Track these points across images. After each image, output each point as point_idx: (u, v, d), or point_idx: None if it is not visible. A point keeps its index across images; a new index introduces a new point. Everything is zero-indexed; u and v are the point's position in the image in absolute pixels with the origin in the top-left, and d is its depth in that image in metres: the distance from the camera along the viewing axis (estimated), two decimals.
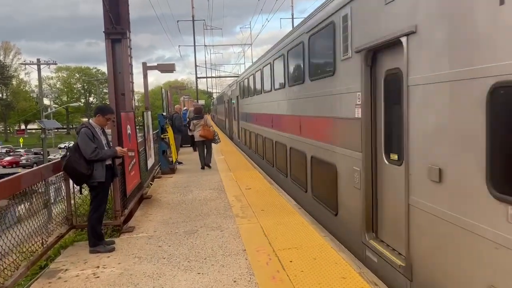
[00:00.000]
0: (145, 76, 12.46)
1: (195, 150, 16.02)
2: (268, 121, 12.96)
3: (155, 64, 13.05)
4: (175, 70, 12.92)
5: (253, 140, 17.24)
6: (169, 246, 6.24)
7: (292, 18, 47.68)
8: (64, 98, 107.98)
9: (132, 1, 9.32)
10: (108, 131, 7.47)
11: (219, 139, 14.70)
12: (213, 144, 14.55)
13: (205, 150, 14.09)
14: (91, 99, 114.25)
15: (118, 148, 6.39)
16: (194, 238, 6.54)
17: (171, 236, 6.72)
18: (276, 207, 8.22)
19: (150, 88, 15.49)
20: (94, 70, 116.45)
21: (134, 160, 8.51)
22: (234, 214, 7.82)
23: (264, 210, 7.98)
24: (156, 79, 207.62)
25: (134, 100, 9.82)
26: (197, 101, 65.20)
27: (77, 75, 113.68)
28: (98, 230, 6.22)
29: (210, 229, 6.98)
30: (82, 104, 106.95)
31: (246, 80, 18.42)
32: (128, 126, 8.15)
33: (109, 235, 6.96)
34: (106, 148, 6.20)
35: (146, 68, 12.50)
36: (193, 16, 60.36)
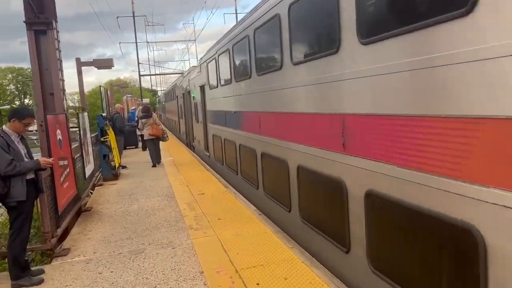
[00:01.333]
0: (80, 73, 11.16)
1: (144, 149, 15.54)
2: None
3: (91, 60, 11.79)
4: (113, 66, 11.71)
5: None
6: (112, 272, 5.25)
7: (236, 13, 46.92)
8: None
9: None
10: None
11: (167, 136, 15.33)
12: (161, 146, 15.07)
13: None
14: (26, 101, 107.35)
15: (41, 159, 5.27)
16: (142, 259, 5.59)
17: (114, 258, 5.72)
18: (234, 214, 7.40)
19: (90, 87, 14.42)
20: (29, 70, 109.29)
21: (68, 170, 7.36)
22: (187, 226, 6.92)
23: (221, 219, 7.14)
24: (98, 78, 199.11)
25: (66, 101, 8.61)
26: (141, 100, 62.91)
27: (10, 76, 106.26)
28: (21, 259, 5.10)
29: (160, 246, 6.05)
30: (16, 107, 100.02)
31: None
32: (59, 131, 7.01)
33: (38, 262, 5.85)
34: (26, 159, 5.09)
35: (80, 64, 11.21)
36: (133, 12, 57.93)
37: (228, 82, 10.14)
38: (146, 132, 14.25)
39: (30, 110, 5.58)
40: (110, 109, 17.62)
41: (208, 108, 13.40)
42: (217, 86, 11.43)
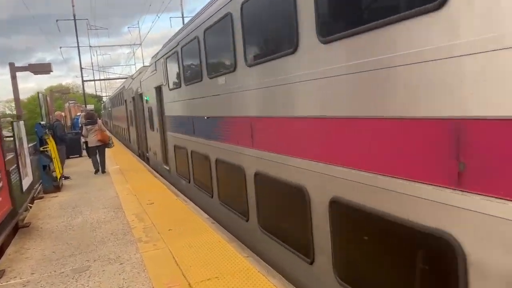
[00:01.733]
0: (14, 78, 10.39)
1: (90, 156, 14.86)
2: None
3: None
4: (51, 71, 11.01)
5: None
6: None
7: (182, 17, 46.30)
8: None
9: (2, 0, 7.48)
10: None
11: (112, 143, 15.18)
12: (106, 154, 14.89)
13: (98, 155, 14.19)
14: None
15: None
16: (86, 278, 5.18)
17: (55, 278, 5.27)
18: (185, 223, 7.11)
19: (29, 94, 13.44)
20: None
21: (1, 184, 6.76)
22: (136, 239, 6.54)
23: (172, 230, 6.82)
24: (38, 84, 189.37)
25: None
26: (85, 106, 60.51)
27: None
28: None
29: (107, 262, 5.65)
30: None
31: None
32: None
33: None
34: None
35: (14, 69, 10.44)
36: (74, 15, 55.79)
37: (197, 79, 7.98)
38: (92, 139, 13.92)
39: None
40: (50, 116, 16.67)
41: (167, 113, 11.30)
42: (180, 86, 9.47)
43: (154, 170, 13.88)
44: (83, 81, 59.00)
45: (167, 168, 12.31)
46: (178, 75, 9.47)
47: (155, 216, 7.75)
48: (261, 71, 5.12)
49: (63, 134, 14.47)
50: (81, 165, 16.66)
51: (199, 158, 8.53)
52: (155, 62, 12.10)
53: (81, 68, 58.39)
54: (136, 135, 19.41)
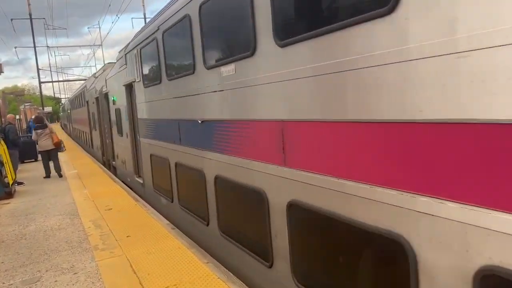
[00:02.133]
0: None
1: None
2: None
3: None
4: (2, 72, 10.50)
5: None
6: None
7: (144, 18, 45.50)
8: None
9: None
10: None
11: (64, 147, 14.94)
12: (62, 157, 15.33)
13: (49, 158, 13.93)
14: None
15: None
16: None
17: None
18: (145, 229, 6.92)
19: None
20: None
21: None
22: (92, 247, 6.30)
23: (131, 236, 6.62)
24: None
25: None
26: (43, 108, 58.35)
27: None
28: None
29: (60, 272, 5.40)
30: None
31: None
32: None
33: None
34: None
35: None
36: (30, 14, 53.89)
37: (188, 70, 6.10)
38: (42, 143, 13.71)
39: None
40: (3, 119, 15.92)
41: (141, 115, 9.35)
42: (159, 81, 7.55)
43: (122, 181, 12.23)
44: (40, 82, 56.89)
45: (140, 181, 10.33)
46: (158, 68, 7.52)
47: (113, 222, 7.51)
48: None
49: (16, 137, 13.85)
50: (36, 170, 15.97)
51: (189, 174, 6.68)
52: (125, 55, 10.21)
53: (38, 69, 56.31)
54: (100, 141, 17.41)
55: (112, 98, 12.88)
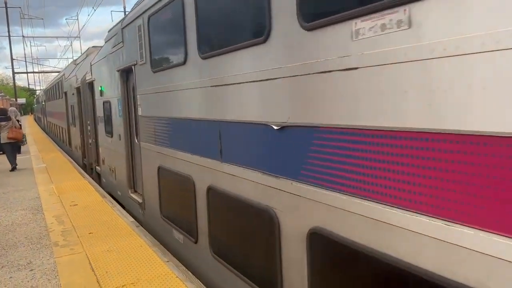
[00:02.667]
0: None
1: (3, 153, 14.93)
2: None
3: None
4: None
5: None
6: None
7: (124, 11, 44.89)
8: None
9: None
10: None
11: (25, 141, 16.17)
12: (32, 151, 15.53)
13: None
14: None
15: None
16: None
17: None
18: (109, 227, 6.82)
19: None
20: None
21: None
22: (52, 243, 6.17)
23: (93, 233, 6.51)
24: None
25: None
26: (16, 100, 56.88)
27: None
28: None
29: (16, 268, 5.27)
30: None
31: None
32: None
33: None
34: None
35: None
36: (6, 2, 52.59)
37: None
38: (4, 136, 13.66)
39: None
40: None
41: (145, 112, 6.86)
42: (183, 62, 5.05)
43: (109, 193, 9.84)
44: (13, 73, 55.57)
45: (138, 199, 7.72)
46: (182, 41, 4.97)
47: (77, 219, 7.38)
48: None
49: None
50: (2, 163, 15.54)
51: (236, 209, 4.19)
52: (122, 29, 7.76)
53: (12, 59, 54.99)
54: (80, 140, 14.65)
55: (99, 88, 10.22)
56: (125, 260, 5.31)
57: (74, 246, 5.97)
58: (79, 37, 65.89)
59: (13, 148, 13.96)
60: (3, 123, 13.61)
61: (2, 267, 5.36)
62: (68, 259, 5.49)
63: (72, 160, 15.79)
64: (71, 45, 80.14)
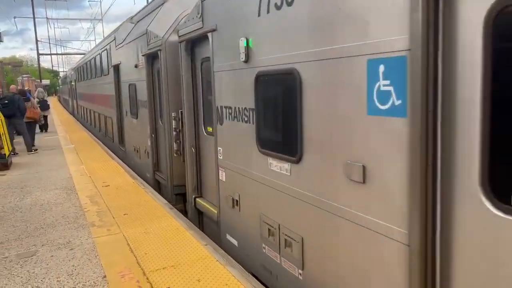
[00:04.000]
0: None
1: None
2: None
3: None
4: (1, 41, 10.23)
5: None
6: None
7: None
8: None
9: None
10: None
11: (42, 120, 16.75)
12: (60, 134, 16.12)
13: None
14: None
15: None
16: (33, 263, 4.85)
17: None
18: (142, 208, 6.84)
19: None
20: None
21: None
22: (88, 223, 6.22)
23: (128, 214, 6.54)
24: None
25: None
26: (40, 81, 57.80)
27: None
28: None
29: (56, 247, 5.33)
30: None
31: None
32: None
33: None
34: None
35: None
36: None
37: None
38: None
39: None
40: (0, 89, 15.74)
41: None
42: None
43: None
44: (38, 54, 56.34)
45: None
46: None
47: (110, 199, 7.43)
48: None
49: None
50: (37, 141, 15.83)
51: None
52: None
53: (37, 41, 55.73)
54: (152, 143, 8.99)
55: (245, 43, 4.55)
56: (163, 242, 5.31)
57: (111, 227, 6.01)
58: (102, 20, 66.25)
59: (31, 127, 14.52)
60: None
61: (42, 245, 5.42)
62: (106, 239, 5.53)
63: (98, 140, 15.96)
64: (94, 28, 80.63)
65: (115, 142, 13.67)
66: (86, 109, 21.94)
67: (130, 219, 6.32)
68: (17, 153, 13.02)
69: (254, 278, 4.36)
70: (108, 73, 13.52)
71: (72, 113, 32.74)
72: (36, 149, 13.81)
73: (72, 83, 30.41)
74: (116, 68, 12.04)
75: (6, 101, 13.11)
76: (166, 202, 7.25)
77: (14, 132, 13.76)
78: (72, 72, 30.72)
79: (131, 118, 10.68)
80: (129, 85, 10.47)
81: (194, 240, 5.32)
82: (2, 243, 5.58)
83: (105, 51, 13.95)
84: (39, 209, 7.10)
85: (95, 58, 16.56)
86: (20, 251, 5.25)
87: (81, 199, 7.55)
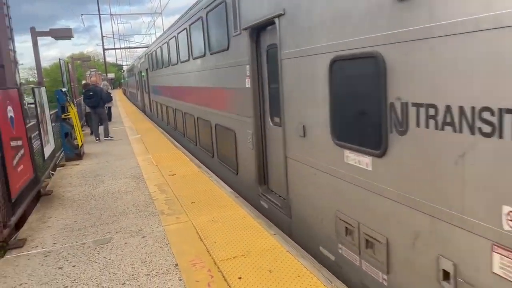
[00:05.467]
0: (35, 44, 10.17)
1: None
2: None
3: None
4: (72, 36, 10.73)
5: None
6: (74, 266, 4.67)
7: None
8: None
9: None
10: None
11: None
12: (126, 125, 16.68)
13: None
14: None
15: None
16: (108, 250, 5.02)
17: (77, 249, 5.13)
18: (208, 197, 6.90)
19: (52, 62, 13.46)
20: None
21: (23, 151, 6.62)
22: (158, 211, 6.37)
23: (195, 203, 6.62)
24: (61, 52, 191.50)
25: (19, 74, 7.78)
26: (106, 75, 60.69)
27: None
28: None
29: (129, 234, 5.49)
30: None
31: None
32: (10, 108, 6.23)
33: None
34: None
35: (35, 34, 10.20)
36: None
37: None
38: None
39: None
40: (72, 84, 16.63)
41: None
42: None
43: None
44: (104, 49, 59.23)
45: None
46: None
47: (177, 188, 7.56)
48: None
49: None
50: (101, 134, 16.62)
51: None
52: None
53: (102, 36, 58.60)
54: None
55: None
56: (231, 231, 5.29)
57: (179, 215, 6.10)
58: (161, 14, 68.02)
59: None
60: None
61: (116, 232, 5.61)
62: (176, 227, 5.61)
63: (163, 131, 16.43)
64: (154, 22, 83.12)
65: (244, 177, 7.44)
66: (170, 109, 15.75)
67: (198, 207, 6.38)
68: (98, 139, 14.62)
69: (327, 270, 4.21)
70: (229, 47, 7.40)
71: (143, 111, 26.80)
72: (112, 136, 14.87)
73: (143, 74, 24.50)
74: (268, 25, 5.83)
75: (91, 93, 14.52)
76: (231, 190, 7.26)
77: (99, 121, 15.12)
78: (143, 60, 24.10)
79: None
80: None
81: (262, 229, 5.25)
82: (79, 229, 5.84)
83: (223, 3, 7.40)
84: (111, 197, 7.38)
85: (189, 28, 10.41)
86: (96, 238, 5.46)
87: (149, 188, 7.76)
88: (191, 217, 5.93)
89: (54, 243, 5.39)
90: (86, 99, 14.61)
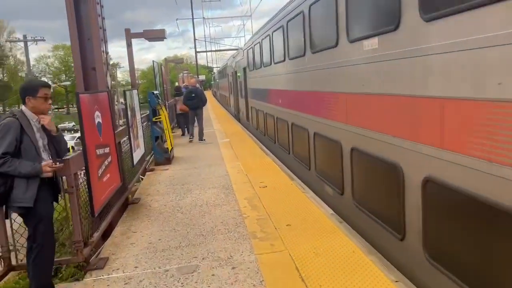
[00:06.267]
0: (129, 45, 10.03)
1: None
2: None
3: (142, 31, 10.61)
4: (165, 37, 10.46)
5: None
6: None
7: None
8: (63, 77, 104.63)
9: None
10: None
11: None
12: (215, 127, 17.26)
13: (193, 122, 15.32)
14: None
15: (46, 164, 3.80)
16: (193, 284, 4.29)
17: (159, 278, 4.48)
18: (305, 217, 5.95)
19: (149, 64, 13.62)
20: None
21: (110, 159, 6.22)
22: (249, 233, 5.56)
23: (291, 225, 5.71)
24: (157, 55, 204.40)
25: (111, 77, 7.49)
26: (197, 77, 62.76)
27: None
28: (44, 280, 4.00)
29: (217, 263, 4.73)
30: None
31: None
32: (98, 113, 5.83)
33: (68, 275, 4.74)
34: (44, 152, 3.90)
35: (130, 35, 10.07)
36: None
37: None
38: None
39: (40, 81, 4.63)
40: (165, 86, 16.77)
41: None
42: None
43: None
44: (196, 52, 61.31)
45: None
46: None
47: (270, 204, 6.73)
48: None
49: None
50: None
51: None
52: None
53: (195, 39, 60.70)
54: None
55: None
56: (339, 270, 4.29)
57: (274, 241, 5.22)
58: (251, 17, 68.68)
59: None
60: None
61: (203, 258, 4.89)
62: (271, 258, 4.74)
63: (251, 134, 15.85)
64: (244, 25, 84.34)
65: None
66: (285, 123, 10.66)
67: (294, 231, 5.46)
68: (192, 138, 15.01)
69: None
70: None
71: (237, 118, 22.51)
72: (205, 139, 14.74)
73: (238, 74, 20.31)
74: None
75: (193, 94, 14.60)
76: (333, 212, 6.24)
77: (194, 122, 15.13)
78: (240, 58, 19.47)
79: None
80: None
81: (379, 272, 4.17)
82: (164, 250, 5.23)
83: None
84: (199, 210, 6.76)
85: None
86: (181, 264, 4.78)
87: (239, 201, 7.03)
88: (288, 245, 5.02)
89: (136, 267, 4.81)
90: (188, 100, 14.67)
